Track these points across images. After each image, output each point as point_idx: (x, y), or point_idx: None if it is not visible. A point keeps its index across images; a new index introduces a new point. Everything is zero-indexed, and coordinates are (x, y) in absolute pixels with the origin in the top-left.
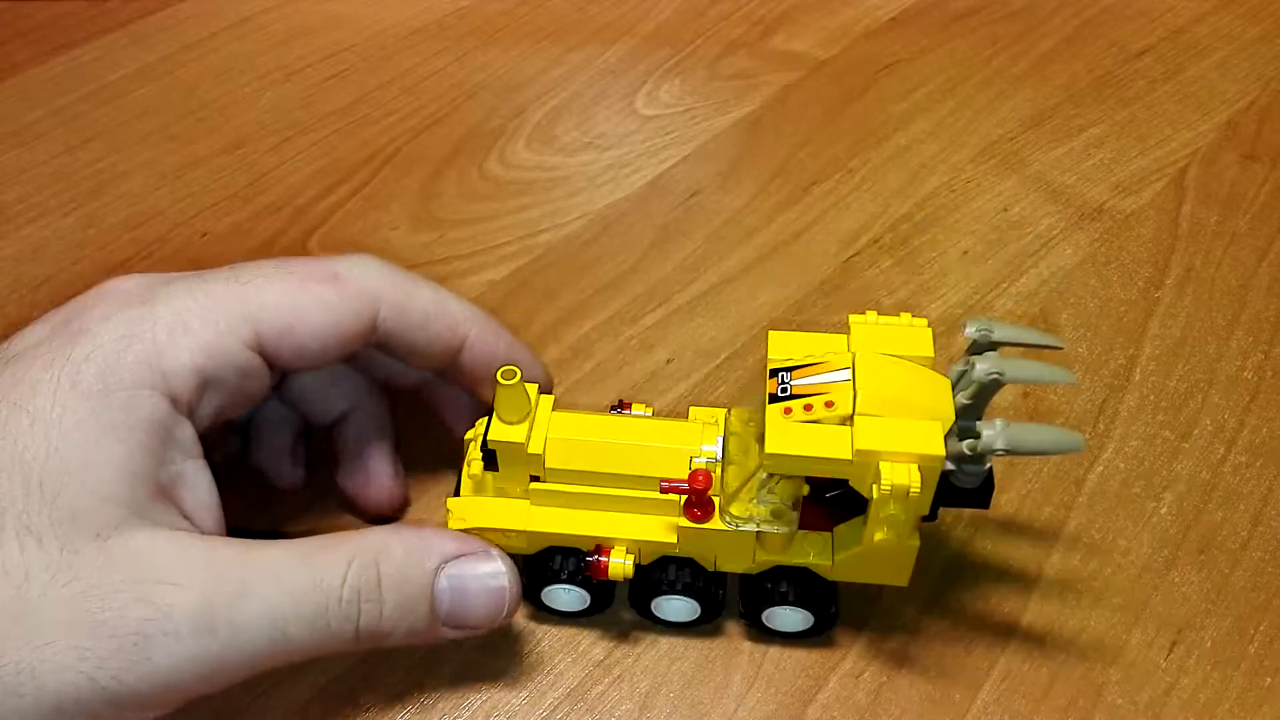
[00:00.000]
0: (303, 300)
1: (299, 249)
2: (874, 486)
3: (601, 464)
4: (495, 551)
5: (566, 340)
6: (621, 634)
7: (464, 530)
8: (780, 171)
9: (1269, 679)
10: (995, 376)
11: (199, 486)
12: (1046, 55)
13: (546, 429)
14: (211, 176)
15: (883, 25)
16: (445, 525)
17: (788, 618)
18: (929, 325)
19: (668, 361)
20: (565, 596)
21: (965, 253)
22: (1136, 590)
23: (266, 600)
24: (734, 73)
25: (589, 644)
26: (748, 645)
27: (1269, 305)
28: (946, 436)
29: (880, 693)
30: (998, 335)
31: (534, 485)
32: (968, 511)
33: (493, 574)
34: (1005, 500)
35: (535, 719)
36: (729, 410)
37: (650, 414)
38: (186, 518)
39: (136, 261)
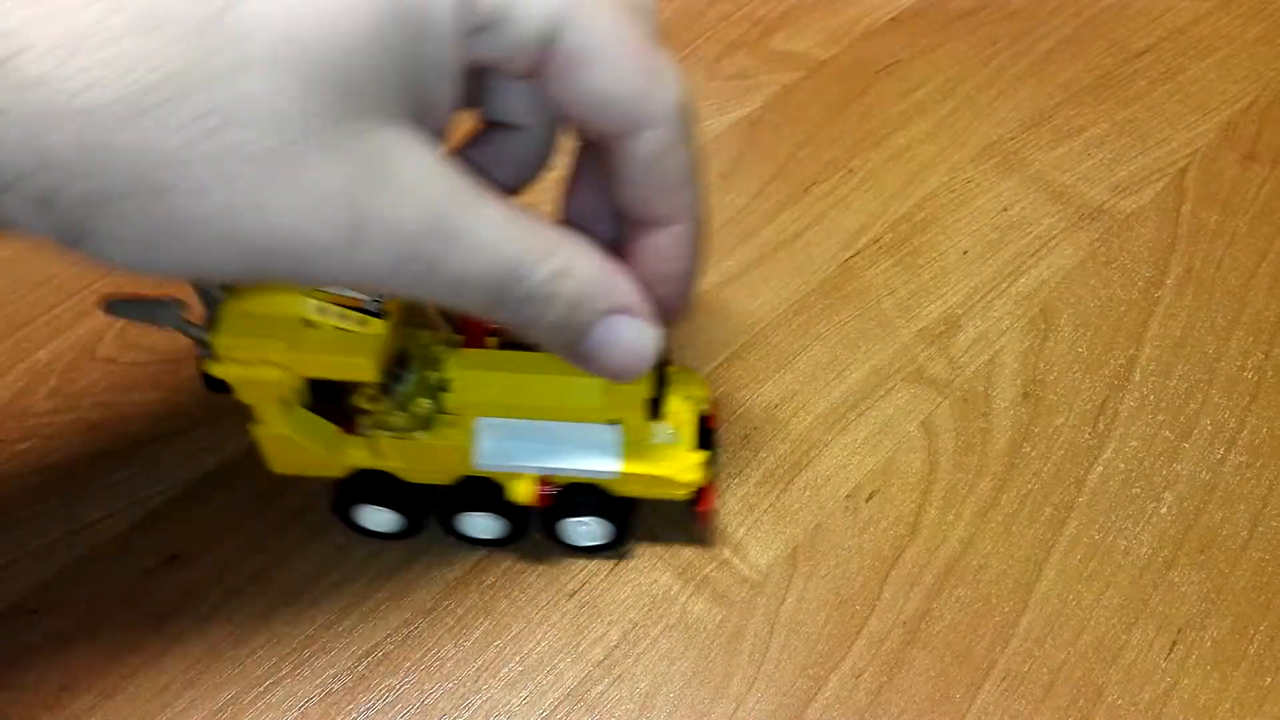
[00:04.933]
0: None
1: None
2: None
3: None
4: (650, 316)
5: None
6: (622, 634)
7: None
8: (780, 171)
9: (1269, 679)
10: None
11: (447, 104)
12: (1046, 55)
13: None
14: None
15: (883, 25)
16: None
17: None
18: None
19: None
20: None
21: (965, 253)
22: (1136, 590)
23: (466, 257)
24: (734, 73)
25: (589, 644)
26: (748, 645)
27: (1269, 305)
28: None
29: (880, 693)
30: None
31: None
32: (967, 511)
33: (641, 336)
34: (1005, 500)
35: (535, 719)
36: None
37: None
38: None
39: None
